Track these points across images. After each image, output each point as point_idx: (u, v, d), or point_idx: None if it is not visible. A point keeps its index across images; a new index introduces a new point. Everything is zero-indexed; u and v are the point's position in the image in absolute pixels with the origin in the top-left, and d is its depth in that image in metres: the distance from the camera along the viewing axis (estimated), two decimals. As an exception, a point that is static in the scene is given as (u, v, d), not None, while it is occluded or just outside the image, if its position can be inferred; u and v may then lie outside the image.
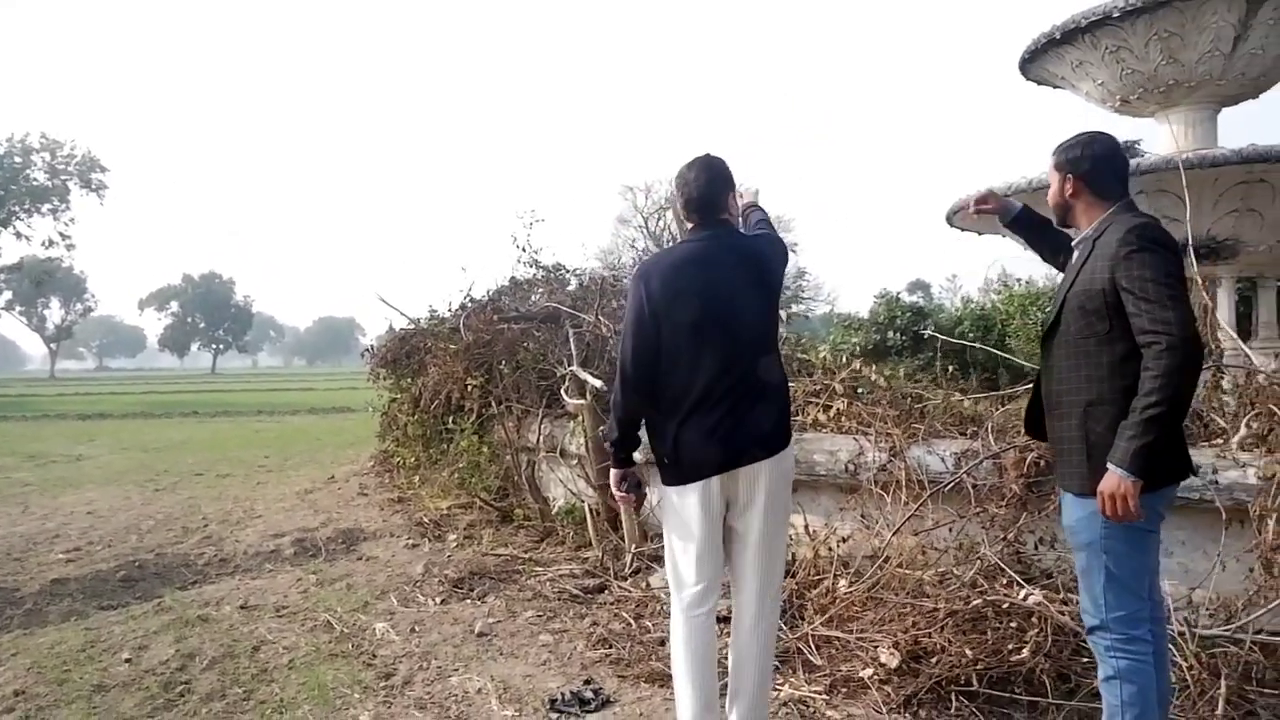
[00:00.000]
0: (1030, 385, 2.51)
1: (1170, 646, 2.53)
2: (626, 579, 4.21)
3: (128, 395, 30.40)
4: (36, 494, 7.81)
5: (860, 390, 4.34)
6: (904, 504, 3.50)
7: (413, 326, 7.73)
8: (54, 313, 70.82)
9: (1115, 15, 6.10)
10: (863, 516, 3.66)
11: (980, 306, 14.96)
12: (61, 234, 38.81)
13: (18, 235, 37.59)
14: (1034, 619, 2.87)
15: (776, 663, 2.81)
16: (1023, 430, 2.85)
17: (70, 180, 39.30)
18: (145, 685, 3.20)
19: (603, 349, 5.39)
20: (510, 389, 5.87)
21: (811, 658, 3.07)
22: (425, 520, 5.78)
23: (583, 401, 4.92)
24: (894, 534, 3.46)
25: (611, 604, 3.92)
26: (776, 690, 2.85)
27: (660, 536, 2.91)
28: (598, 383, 4.84)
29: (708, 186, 2.45)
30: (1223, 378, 3.73)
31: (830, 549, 3.59)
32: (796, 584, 3.52)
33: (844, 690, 2.89)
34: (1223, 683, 2.57)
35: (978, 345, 7.56)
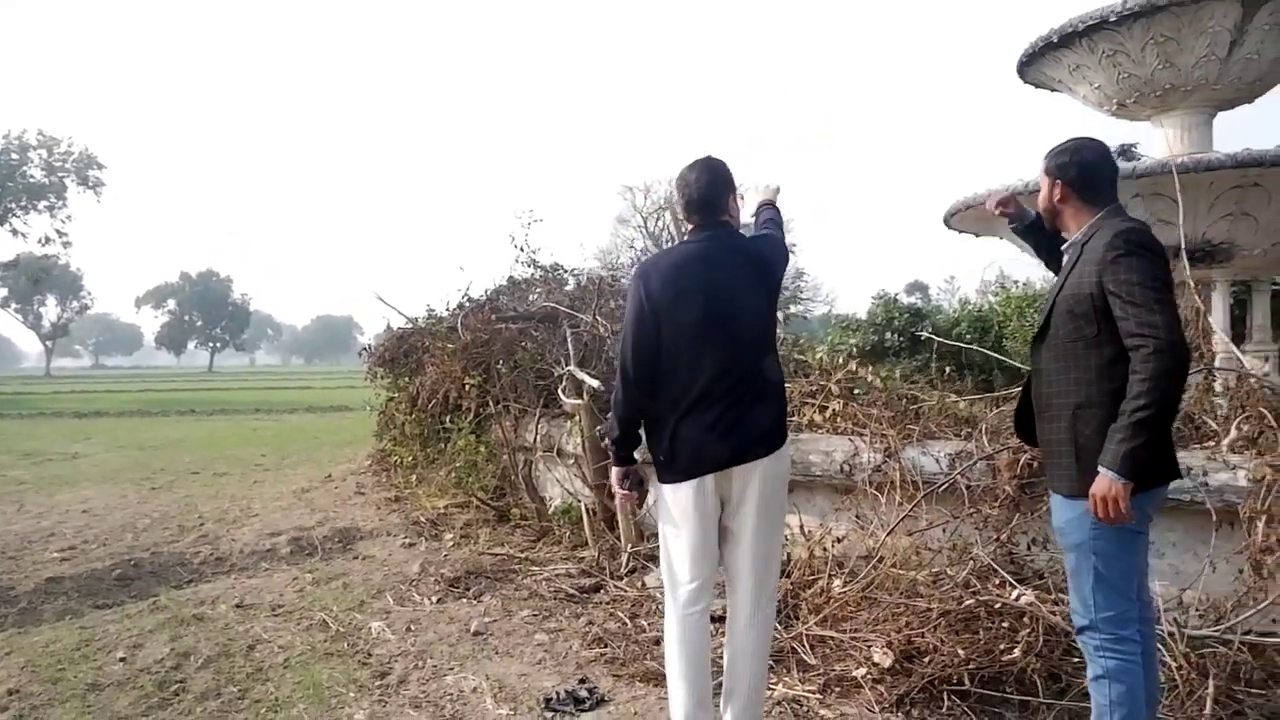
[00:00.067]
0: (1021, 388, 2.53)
1: (1159, 646, 2.56)
2: (622, 578, 4.22)
3: (124, 393, 30.32)
4: (32, 492, 7.80)
5: (856, 391, 4.36)
6: (898, 504, 3.53)
7: (410, 325, 7.72)
8: (50, 310, 70.48)
9: (1112, 19, 6.11)
10: (857, 517, 3.69)
11: (978, 308, 14.99)
12: (58, 231, 38.76)
13: (14, 232, 37.58)
14: (1026, 619, 2.90)
15: (771, 662, 2.83)
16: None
17: (67, 177, 39.23)
18: (140, 684, 3.21)
19: (600, 349, 5.41)
20: (508, 388, 5.88)
21: (806, 657, 3.10)
22: (422, 519, 5.79)
23: (580, 401, 4.94)
24: (888, 534, 3.48)
25: (607, 603, 3.94)
26: (771, 689, 2.87)
27: (656, 536, 2.92)
28: (595, 383, 4.85)
29: (708, 188, 2.47)
30: (1214, 381, 3.76)
31: (825, 549, 3.62)
32: (791, 584, 3.54)
33: (838, 689, 2.91)
34: (1211, 683, 2.60)
35: (973, 347, 7.57)
